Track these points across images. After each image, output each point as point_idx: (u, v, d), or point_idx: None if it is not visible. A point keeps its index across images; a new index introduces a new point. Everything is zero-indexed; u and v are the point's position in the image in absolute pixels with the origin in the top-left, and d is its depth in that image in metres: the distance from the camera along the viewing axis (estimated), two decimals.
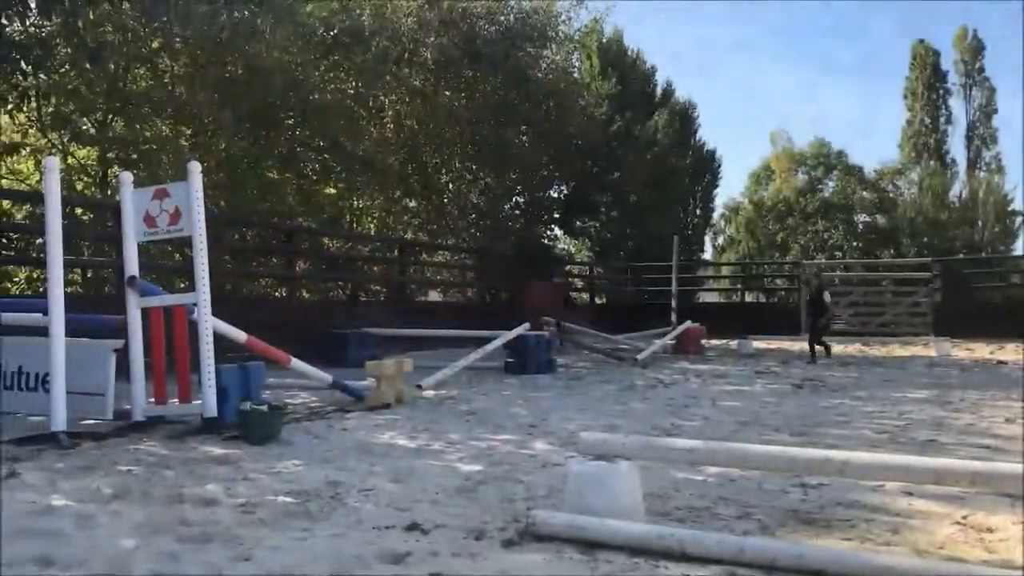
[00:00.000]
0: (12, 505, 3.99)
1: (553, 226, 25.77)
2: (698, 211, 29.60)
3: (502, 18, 18.52)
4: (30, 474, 4.63)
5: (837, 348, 14.72)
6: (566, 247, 28.89)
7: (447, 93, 18.08)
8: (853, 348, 16.59)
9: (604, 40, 26.13)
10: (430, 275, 20.90)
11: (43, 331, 6.20)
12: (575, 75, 22.27)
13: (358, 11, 15.18)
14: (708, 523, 3.78)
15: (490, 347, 11.10)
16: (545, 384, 10.04)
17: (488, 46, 17.68)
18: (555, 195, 24.46)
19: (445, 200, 20.25)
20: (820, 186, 34.13)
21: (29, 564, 3.14)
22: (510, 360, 11.45)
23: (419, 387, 8.78)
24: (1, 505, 3.92)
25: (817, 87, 62.26)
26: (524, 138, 19.74)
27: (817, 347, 13.68)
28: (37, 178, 13.53)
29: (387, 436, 6.18)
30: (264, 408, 5.96)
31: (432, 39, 16.48)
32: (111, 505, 4.03)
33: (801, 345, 15.05)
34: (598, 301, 23.97)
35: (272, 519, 3.79)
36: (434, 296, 21.97)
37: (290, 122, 15.25)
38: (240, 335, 7.06)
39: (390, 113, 17.52)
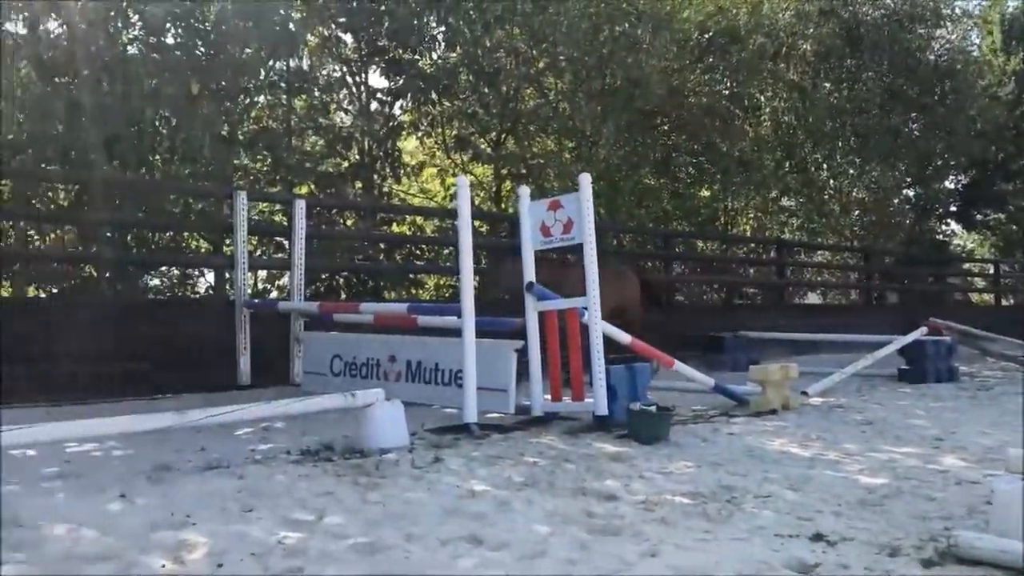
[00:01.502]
0: (440, 487, 4.48)
1: (949, 220, 23.52)
2: None
3: (888, 1, 17.29)
4: (451, 460, 5.16)
5: None
6: (963, 243, 26.24)
7: (827, 85, 17.24)
8: None
9: (1008, 11, 23.33)
10: (809, 276, 20.07)
11: (455, 332, 6.92)
12: (974, 53, 20.14)
13: (734, 11, 15.02)
14: None
15: (881, 353, 10.39)
16: (947, 394, 9.18)
17: (873, 31, 16.60)
18: (951, 186, 22.31)
19: (826, 197, 19.33)
20: None
21: (462, 542, 3.51)
22: (905, 367, 10.63)
23: (805, 394, 8.48)
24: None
25: None
26: (914, 126, 18.26)
27: None
28: (442, 195, 15.11)
29: (777, 443, 6.05)
30: (653, 409, 6.11)
31: (811, 30, 15.82)
32: (523, 493, 4.37)
33: None
34: (1004, 303, 21.46)
35: (672, 518, 3.88)
36: (813, 298, 21.09)
37: (665, 128, 15.53)
38: (625, 337, 7.31)
39: (766, 110, 17.09)
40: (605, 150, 13.92)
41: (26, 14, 9.62)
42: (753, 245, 18.30)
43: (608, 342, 6.78)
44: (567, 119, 14.06)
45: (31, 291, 10.71)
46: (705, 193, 17.47)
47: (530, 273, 7.06)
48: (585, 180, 6.68)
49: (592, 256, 6.57)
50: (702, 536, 3.59)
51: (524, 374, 7.06)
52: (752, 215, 19.33)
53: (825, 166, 18.77)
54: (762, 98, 16.72)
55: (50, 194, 10.71)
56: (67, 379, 7.88)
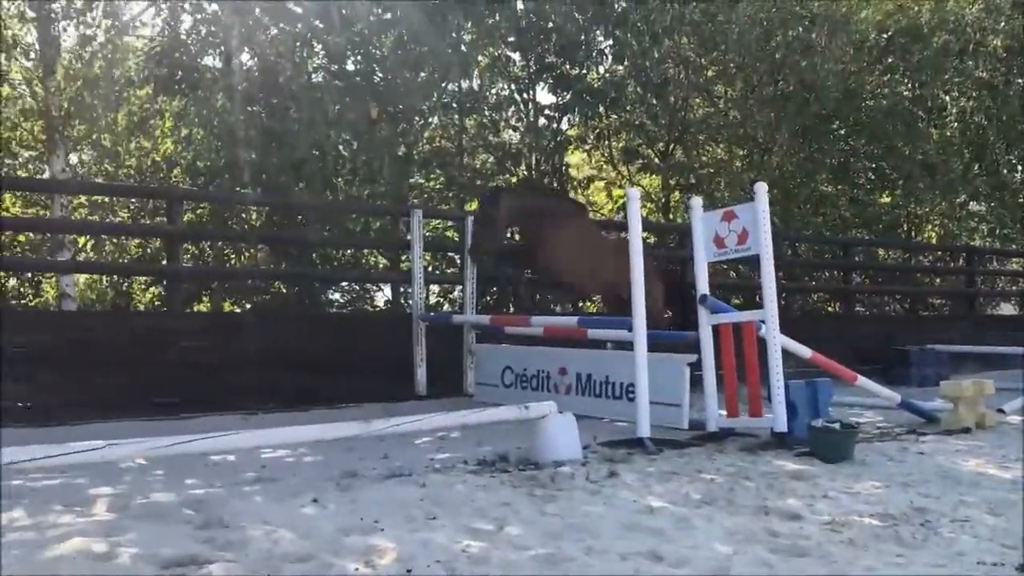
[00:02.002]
0: (616, 502, 4.47)
1: None
2: None
3: None
4: (626, 475, 5.13)
5: None
6: None
7: (1020, 81, 16.09)
8: None
9: None
10: (1002, 285, 18.73)
11: (627, 345, 6.90)
12: None
13: (915, 8, 14.30)
14: None
15: None
16: None
17: None
18: None
19: (1021, 200, 18.01)
20: None
21: (642, 558, 3.49)
22: None
23: (1001, 411, 7.92)
24: None
25: None
26: None
27: None
28: (610, 207, 15.13)
29: (972, 463, 5.68)
30: (836, 426, 5.88)
31: (1002, 25, 14.83)
32: (701, 510, 4.30)
33: None
34: None
35: (861, 540, 3.72)
36: (1008, 308, 19.66)
37: (842, 132, 14.97)
38: (805, 351, 7.07)
39: (952, 111, 16.13)
40: (779, 157, 13.56)
41: (222, 48, 10.39)
42: (939, 253, 17.28)
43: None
44: (738, 127, 13.79)
45: (227, 306, 11.50)
46: (886, 199, 16.67)
47: (704, 285, 6.95)
48: (761, 189, 6.53)
49: (769, 268, 6.41)
50: (895, 560, 3.42)
51: (697, 388, 6.96)
52: (938, 221, 18.25)
53: (1019, 168, 17.51)
54: (947, 98, 15.81)
55: (243, 215, 11.48)
56: (260, 388, 8.38)
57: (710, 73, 13.80)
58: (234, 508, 4.18)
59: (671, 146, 14.11)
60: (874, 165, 15.67)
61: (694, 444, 6.37)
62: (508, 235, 9.00)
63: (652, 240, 14.30)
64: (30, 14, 11.65)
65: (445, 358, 9.12)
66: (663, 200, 14.64)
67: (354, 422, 5.21)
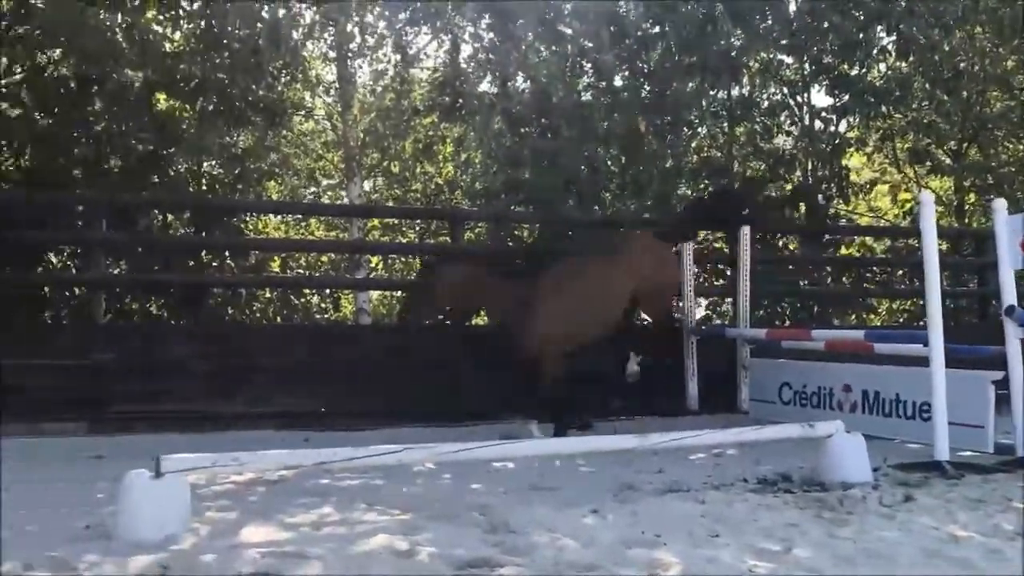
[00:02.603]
0: (914, 528, 4.16)
1: None
2: None
3: None
4: (924, 500, 4.77)
5: None
6: None
7: None
8: None
9: None
10: None
11: (912, 360, 6.40)
12: None
13: None
14: None
15: None
16: None
17: None
18: None
19: None
20: None
21: None
22: None
23: None
24: None
25: None
26: None
27: None
28: (895, 212, 14.19)
29: None
30: None
31: None
32: (1016, 542, 3.90)
33: None
34: None
35: None
36: None
37: None
38: None
39: None
40: None
41: (498, 74, 10.89)
42: None
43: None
44: None
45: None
46: None
47: (1010, 295, 6.30)
48: None
49: None
50: None
51: (1003, 408, 6.32)
52: None
53: None
54: None
55: (516, 233, 11.93)
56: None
57: (1009, 64, 12.58)
58: (518, 514, 4.32)
59: (965, 145, 13.03)
60: None
61: (1001, 470, 5.80)
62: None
63: (945, 247, 13.23)
64: (331, 55, 12.87)
65: (717, 373, 8.92)
66: (955, 203, 13.52)
67: (630, 435, 5.24)
